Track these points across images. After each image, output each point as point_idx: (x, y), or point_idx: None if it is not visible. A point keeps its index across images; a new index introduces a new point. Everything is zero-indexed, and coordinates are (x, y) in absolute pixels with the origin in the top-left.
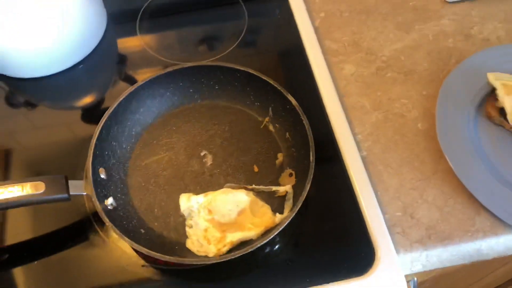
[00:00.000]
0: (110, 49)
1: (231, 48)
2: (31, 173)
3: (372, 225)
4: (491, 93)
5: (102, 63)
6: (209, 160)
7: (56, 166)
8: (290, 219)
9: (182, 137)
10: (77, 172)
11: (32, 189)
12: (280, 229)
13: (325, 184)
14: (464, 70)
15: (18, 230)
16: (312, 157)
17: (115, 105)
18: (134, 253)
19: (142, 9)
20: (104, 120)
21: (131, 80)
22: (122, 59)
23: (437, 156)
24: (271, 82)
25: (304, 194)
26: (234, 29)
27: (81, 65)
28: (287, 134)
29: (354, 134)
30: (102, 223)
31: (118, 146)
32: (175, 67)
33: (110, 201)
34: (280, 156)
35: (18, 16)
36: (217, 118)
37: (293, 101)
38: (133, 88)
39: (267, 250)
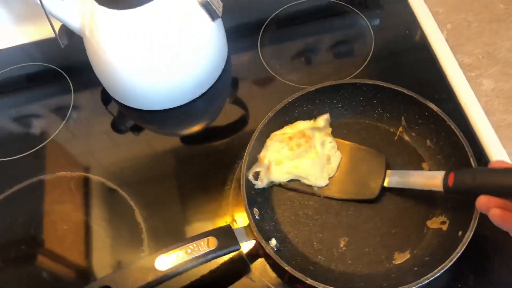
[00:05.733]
0: (229, 76)
1: (361, 68)
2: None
3: None
4: None
5: (222, 91)
6: None
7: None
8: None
9: None
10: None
11: (205, 247)
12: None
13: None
14: None
15: None
16: (473, 163)
17: (252, 142)
18: None
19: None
20: (247, 159)
21: (243, 106)
22: (235, 81)
23: None
24: (404, 91)
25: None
26: (359, 46)
27: (204, 96)
28: (428, 141)
29: (508, 154)
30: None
31: None
32: (300, 93)
33: (273, 242)
34: (425, 166)
35: (157, 54)
36: (346, 137)
37: (434, 107)
38: (266, 120)
39: None
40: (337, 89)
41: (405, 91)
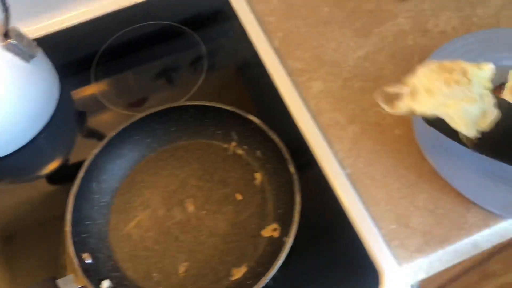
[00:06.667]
0: (68, 107)
1: (194, 85)
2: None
3: (371, 244)
4: None
5: (63, 124)
6: (190, 205)
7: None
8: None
9: (155, 190)
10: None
11: None
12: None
13: (313, 209)
14: None
15: None
16: (292, 168)
17: (78, 183)
18: None
19: (97, 55)
20: (72, 203)
21: (94, 134)
22: (80, 115)
23: (419, 159)
24: (228, 108)
25: (297, 208)
26: (194, 67)
27: (43, 134)
28: (258, 152)
29: (335, 153)
30: None
31: (93, 223)
32: (124, 125)
33: (106, 284)
34: (258, 176)
35: None
36: (183, 159)
37: (255, 120)
38: (89, 161)
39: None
40: (164, 114)
41: (228, 107)
